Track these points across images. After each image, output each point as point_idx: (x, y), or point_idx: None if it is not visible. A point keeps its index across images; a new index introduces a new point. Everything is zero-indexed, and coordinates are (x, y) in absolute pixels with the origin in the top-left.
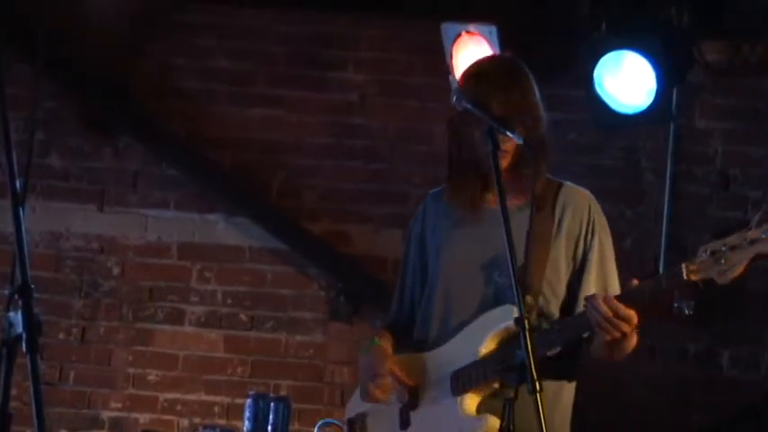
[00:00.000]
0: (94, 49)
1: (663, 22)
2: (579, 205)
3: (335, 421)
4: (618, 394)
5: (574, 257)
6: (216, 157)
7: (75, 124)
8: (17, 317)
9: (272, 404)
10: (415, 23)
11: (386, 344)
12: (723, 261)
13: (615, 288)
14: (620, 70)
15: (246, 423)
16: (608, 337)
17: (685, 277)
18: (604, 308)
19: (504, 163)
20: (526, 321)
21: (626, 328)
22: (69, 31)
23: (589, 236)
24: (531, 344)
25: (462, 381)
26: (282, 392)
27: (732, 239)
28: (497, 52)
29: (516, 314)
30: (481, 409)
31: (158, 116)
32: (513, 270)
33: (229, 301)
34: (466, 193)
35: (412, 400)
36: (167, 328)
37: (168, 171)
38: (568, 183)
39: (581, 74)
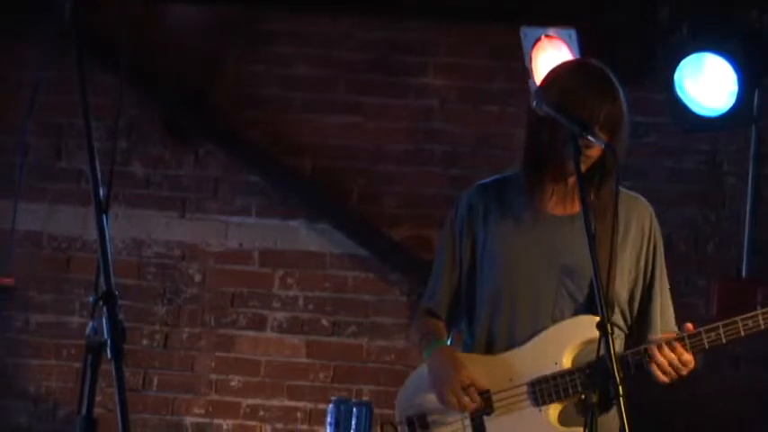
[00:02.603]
0: (175, 59)
1: (744, 23)
2: (642, 215)
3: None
4: (704, 404)
5: (636, 268)
6: (296, 164)
7: (156, 132)
8: (102, 324)
9: (354, 409)
10: (495, 28)
11: (451, 347)
12: None
13: (669, 301)
14: (702, 73)
15: (329, 428)
16: (665, 380)
17: (763, 326)
18: (669, 354)
19: (583, 168)
20: (609, 326)
21: (684, 371)
22: (152, 41)
23: (651, 247)
24: (614, 348)
25: (546, 391)
26: (364, 397)
27: None
28: (577, 56)
29: (596, 323)
30: (562, 419)
31: (239, 123)
32: (597, 277)
33: (311, 306)
34: (534, 194)
35: (485, 405)
36: (249, 333)
37: (249, 178)
38: (623, 189)
39: (662, 77)
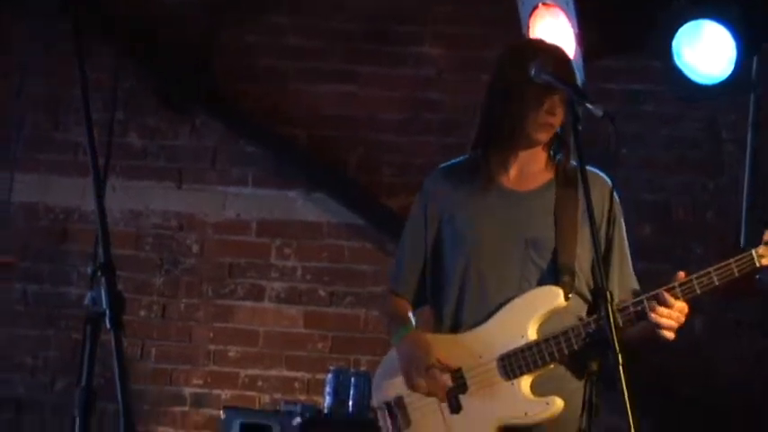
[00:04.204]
0: (172, 30)
1: None
2: (602, 190)
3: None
4: (706, 368)
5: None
6: (293, 134)
7: (153, 103)
8: (100, 294)
9: (352, 379)
10: None
11: (418, 330)
12: None
13: (631, 272)
14: (699, 40)
15: (327, 398)
16: (665, 333)
17: (758, 264)
18: (655, 316)
19: (546, 137)
20: (608, 294)
21: (682, 319)
22: (148, 13)
23: (611, 220)
24: (613, 317)
25: (516, 364)
26: (362, 367)
27: None
28: (575, 24)
29: (561, 295)
30: (534, 389)
31: (235, 94)
32: (597, 248)
33: (309, 277)
34: (495, 171)
35: (459, 383)
36: (247, 304)
37: (246, 148)
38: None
39: (660, 44)
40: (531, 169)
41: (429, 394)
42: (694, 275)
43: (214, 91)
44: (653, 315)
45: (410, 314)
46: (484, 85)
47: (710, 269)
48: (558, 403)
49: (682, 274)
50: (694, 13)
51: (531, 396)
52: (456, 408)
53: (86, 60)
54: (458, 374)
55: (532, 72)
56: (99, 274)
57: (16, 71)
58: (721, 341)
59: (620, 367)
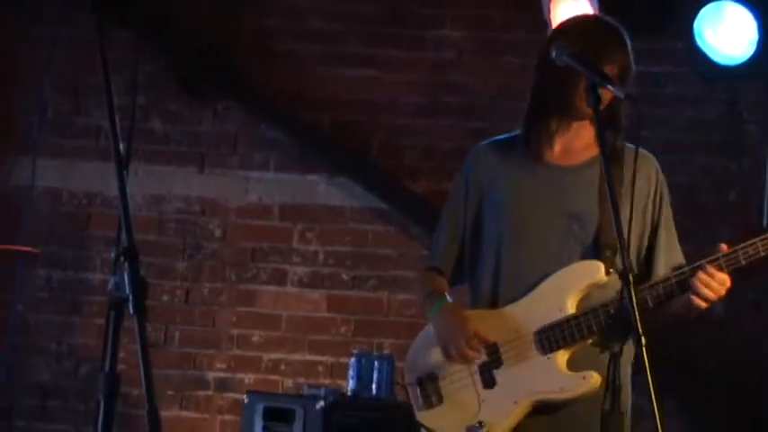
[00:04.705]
0: (192, 14)
1: None
2: (648, 168)
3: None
4: (726, 348)
5: (643, 220)
6: (314, 118)
7: (174, 88)
8: (123, 279)
9: (375, 363)
10: None
11: (455, 303)
12: None
13: (679, 252)
14: (722, 21)
15: (351, 382)
16: (703, 304)
17: None
18: (710, 281)
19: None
20: (630, 276)
21: (723, 291)
22: None
23: (658, 199)
24: (636, 297)
25: (552, 338)
26: (386, 351)
27: None
28: (596, 6)
29: (602, 269)
30: (571, 365)
31: (256, 78)
32: (618, 225)
33: (331, 261)
34: (540, 144)
35: (493, 358)
36: (270, 288)
37: (268, 133)
38: (629, 145)
39: (681, 26)
40: (576, 145)
41: (462, 362)
42: (739, 246)
43: (236, 76)
44: (694, 281)
45: (447, 288)
46: (505, 67)
47: (756, 240)
48: (596, 378)
49: (724, 246)
50: None
51: (566, 371)
52: (490, 383)
53: (107, 45)
54: (493, 349)
55: (553, 54)
56: (122, 259)
57: (40, 57)
58: (743, 320)
59: (643, 349)
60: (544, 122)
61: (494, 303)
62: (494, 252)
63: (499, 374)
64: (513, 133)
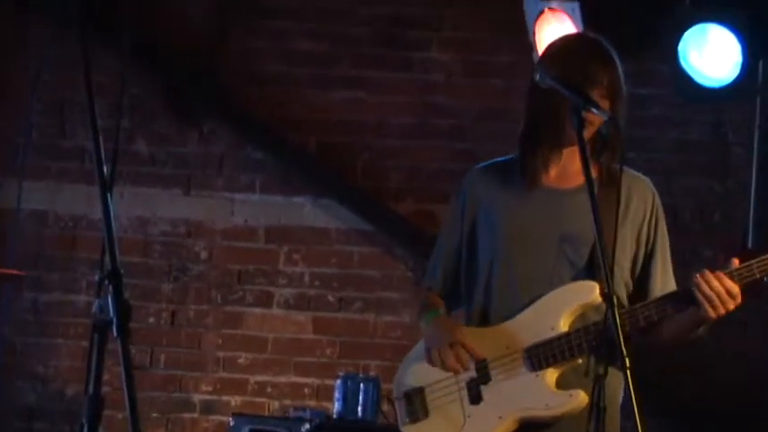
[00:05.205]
0: (178, 36)
1: None
2: (644, 191)
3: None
4: (712, 369)
5: (637, 243)
6: (300, 140)
7: (160, 110)
8: (107, 302)
9: (361, 384)
10: (499, 1)
11: (447, 317)
12: None
13: (672, 277)
14: (706, 44)
15: (336, 404)
16: (713, 314)
17: None
18: (717, 284)
19: (585, 134)
20: (615, 298)
21: (731, 305)
22: (154, 17)
23: (653, 223)
24: (619, 320)
25: (542, 355)
26: (372, 373)
27: None
28: (581, 28)
29: (597, 290)
30: (560, 383)
31: (243, 100)
32: (602, 247)
33: (317, 282)
34: (534, 167)
35: (482, 373)
36: (256, 310)
37: (253, 155)
38: (627, 169)
39: (666, 48)
40: (572, 168)
41: (448, 369)
42: (755, 260)
43: (222, 97)
44: (698, 278)
45: (442, 306)
46: (492, 89)
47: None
48: (582, 397)
49: (736, 261)
50: (700, 16)
51: (555, 389)
52: (476, 398)
53: (93, 67)
54: (482, 365)
55: (537, 76)
56: (106, 281)
57: (26, 79)
58: (728, 341)
59: (627, 371)
60: (538, 147)
61: (485, 322)
62: (486, 272)
63: (486, 390)
64: (509, 156)
